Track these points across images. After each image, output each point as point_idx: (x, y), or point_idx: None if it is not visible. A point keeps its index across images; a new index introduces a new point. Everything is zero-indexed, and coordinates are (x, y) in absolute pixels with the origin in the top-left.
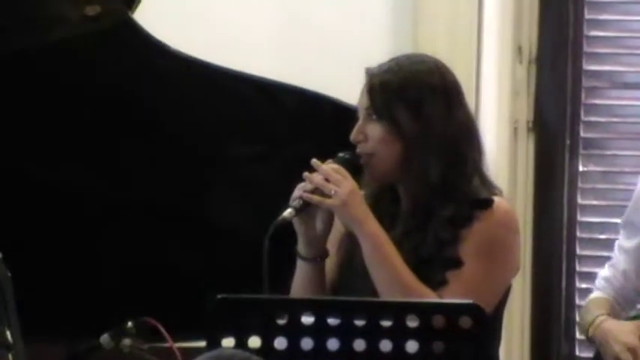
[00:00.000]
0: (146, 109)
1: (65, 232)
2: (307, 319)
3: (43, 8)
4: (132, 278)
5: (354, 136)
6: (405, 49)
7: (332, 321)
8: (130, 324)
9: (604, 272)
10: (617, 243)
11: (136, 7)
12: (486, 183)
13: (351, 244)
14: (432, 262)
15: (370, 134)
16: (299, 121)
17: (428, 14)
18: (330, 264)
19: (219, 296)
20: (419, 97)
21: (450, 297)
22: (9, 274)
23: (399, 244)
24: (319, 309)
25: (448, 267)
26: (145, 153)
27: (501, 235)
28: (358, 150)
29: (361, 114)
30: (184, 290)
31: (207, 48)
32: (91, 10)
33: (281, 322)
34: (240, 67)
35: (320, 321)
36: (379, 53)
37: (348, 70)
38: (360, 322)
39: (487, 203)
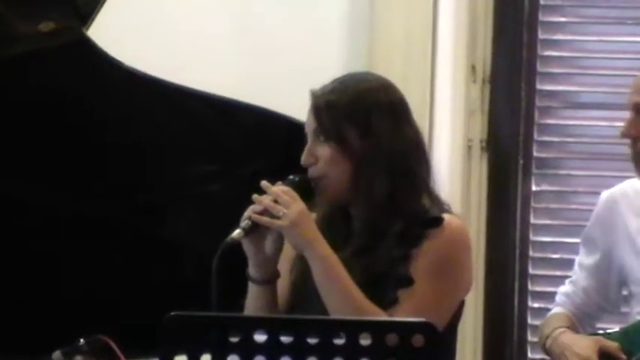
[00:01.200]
0: (100, 125)
1: (19, 247)
2: (260, 337)
3: None
4: (87, 295)
5: (304, 159)
6: (360, 66)
7: (285, 339)
8: (82, 341)
9: (564, 288)
10: (577, 260)
11: (90, 23)
12: (436, 200)
13: (304, 264)
14: (383, 281)
15: (320, 156)
16: (254, 139)
17: (383, 32)
18: (283, 284)
19: (172, 313)
20: (366, 115)
21: (401, 316)
22: None
23: (349, 264)
24: (272, 327)
25: (399, 286)
26: (99, 169)
27: (453, 253)
28: (310, 172)
29: (309, 136)
30: (139, 307)
31: (163, 65)
32: (45, 27)
33: (234, 339)
34: (195, 84)
35: (273, 339)
36: (334, 70)
37: (303, 86)
38: (313, 340)
39: (437, 221)
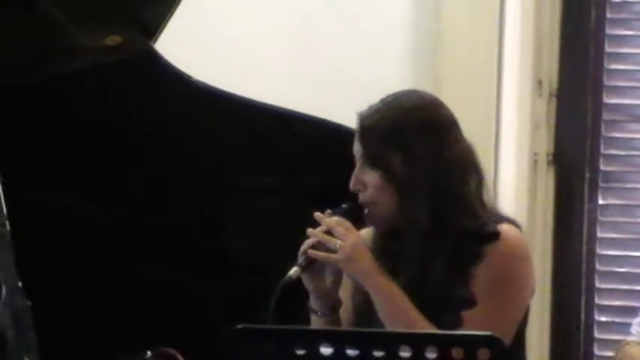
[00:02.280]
0: (165, 138)
1: (80, 261)
2: (326, 350)
3: (63, 39)
4: (148, 309)
5: (352, 185)
6: (424, 80)
7: (351, 352)
8: (149, 354)
9: (635, 328)
10: None
11: (158, 37)
12: (491, 213)
13: (366, 291)
14: (443, 304)
15: (368, 182)
16: (314, 152)
17: (448, 47)
18: (345, 310)
19: (237, 326)
20: (408, 139)
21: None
22: (29, 304)
23: (406, 290)
24: (338, 340)
25: (461, 308)
26: (160, 183)
27: (513, 265)
28: (360, 199)
29: (357, 161)
30: (201, 320)
31: (224, 76)
32: (112, 41)
33: (299, 352)
34: (256, 96)
35: (339, 352)
36: (398, 84)
37: (365, 101)
38: (378, 354)
39: (494, 236)
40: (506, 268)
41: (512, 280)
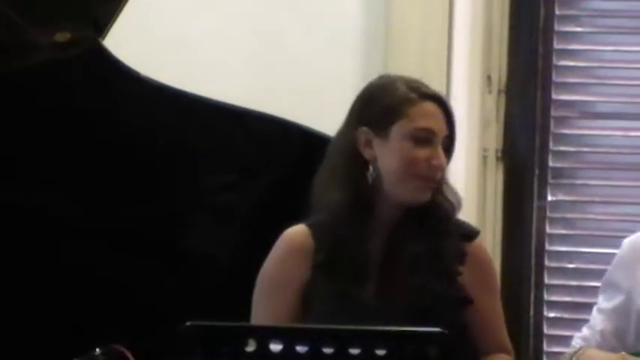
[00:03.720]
0: (117, 136)
1: (37, 257)
2: (276, 347)
3: (12, 34)
4: (101, 305)
5: (443, 163)
6: (375, 77)
7: (301, 349)
8: (98, 351)
9: (581, 333)
10: (595, 307)
11: (106, 33)
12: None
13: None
14: (440, 303)
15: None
16: (271, 149)
17: (398, 43)
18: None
19: (188, 323)
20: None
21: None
22: None
23: (405, 279)
24: (288, 337)
25: (459, 306)
26: (116, 180)
27: (491, 264)
28: (437, 176)
29: (437, 140)
30: (156, 317)
31: (179, 75)
32: (61, 37)
33: (250, 349)
34: (212, 94)
35: (288, 349)
36: (349, 81)
37: (318, 96)
38: (328, 350)
39: (475, 234)
40: (489, 265)
41: (495, 277)
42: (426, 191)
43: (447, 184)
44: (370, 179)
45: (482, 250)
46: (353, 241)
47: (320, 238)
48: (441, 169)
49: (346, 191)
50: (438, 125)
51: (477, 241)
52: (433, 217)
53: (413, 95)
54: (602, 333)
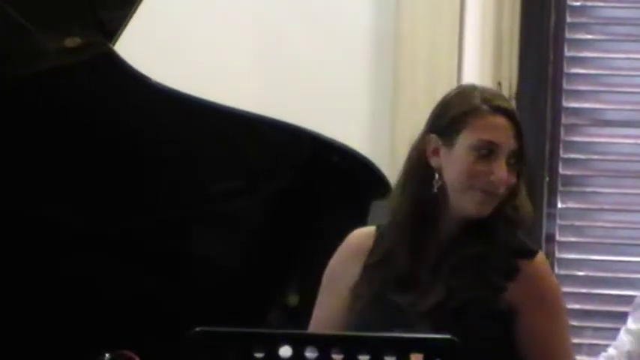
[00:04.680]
0: (125, 142)
1: (43, 264)
2: (285, 353)
3: (22, 40)
4: (111, 311)
5: (511, 180)
6: (385, 84)
7: (310, 354)
8: (107, 356)
9: (607, 353)
10: (623, 328)
11: (117, 39)
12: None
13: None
14: (476, 309)
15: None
16: (279, 155)
17: (409, 50)
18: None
19: (196, 329)
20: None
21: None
22: None
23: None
24: (297, 342)
25: (494, 320)
26: (124, 186)
27: (551, 285)
28: (499, 190)
29: (503, 155)
30: (163, 323)
31: (186, 80)
32: (71, 42)
33: (258, 355)
34: (219, 100)
35: (298, 354)
36: (359, 87)
37: (327, 103)
38: (337, 356)
39: (532, 254)
40: (547, 286)
41: (554, 299)
42: (487, 205)
43: (519, 198)
44: (435, 187)
45: (541, 269)
46: (406, 249)
47: (378, 241)
48: (503, 184)
49: (410, 197)
50: (503, 138)
51: (537, 260)
52: (493, 230)
53: (484, 107)
54: (628, 354)
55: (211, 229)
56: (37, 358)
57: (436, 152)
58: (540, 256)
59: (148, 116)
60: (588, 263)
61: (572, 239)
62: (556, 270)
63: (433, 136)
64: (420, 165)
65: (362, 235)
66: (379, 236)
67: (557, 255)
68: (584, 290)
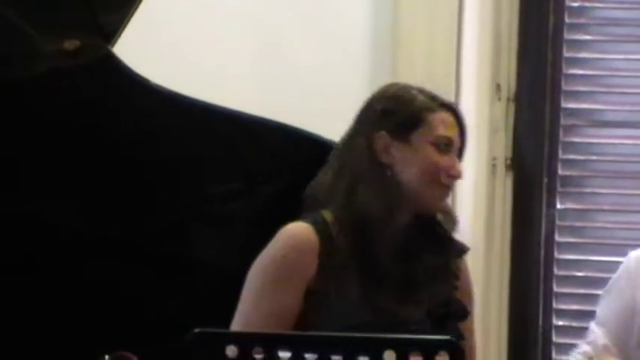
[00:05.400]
0: (124, 144)
1: (42, 266)
2: (284, 354)
3: (20, 43)
4: (110, 312)
5: (462, 172)
6: (383, 84)
7: (309, 356)
8: (106, 357)
9: (580, 348)
10: (592, 323)
11: (116, 41)
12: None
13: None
14: (446, 312)
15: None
16: (278, 157)
17: (406, 51)
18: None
19: (195, 330)
20: None
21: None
22: None
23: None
24: (296, 344)
25: (459, 319)
26: (122, 189)
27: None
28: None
29: (455, 149)
30: (162, 325)
31: (185, 83)
32: (70, 45)
33: (258, 356)
34: (218, 102)
35: (297, 356)
36: (357, 88)
37: (326, 104)
38: (337, 358)
39: (466, 250)
40: (471, 281)
41: (473, 292)
42: (444, 199)
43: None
44: (390, 183)
45: (467, 266)
46: (379, 243)
47: (326, 238)
48: (459, 179)
49: (376, 193)
50: (455, 135)
51: (464, 257)
52: (439, 230)
53: (431, 102)
54: (605, 347)
55: (209, 231)
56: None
57: (387, 149)
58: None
59: (146, 118)
60: (587, 264)
61: (571, 240)
62: (555, 271)
63: (383, 134)
64: (370, 163)
65: (305, 230)
66: (325, 235)
67: (557, 256)
68: (583, 291)
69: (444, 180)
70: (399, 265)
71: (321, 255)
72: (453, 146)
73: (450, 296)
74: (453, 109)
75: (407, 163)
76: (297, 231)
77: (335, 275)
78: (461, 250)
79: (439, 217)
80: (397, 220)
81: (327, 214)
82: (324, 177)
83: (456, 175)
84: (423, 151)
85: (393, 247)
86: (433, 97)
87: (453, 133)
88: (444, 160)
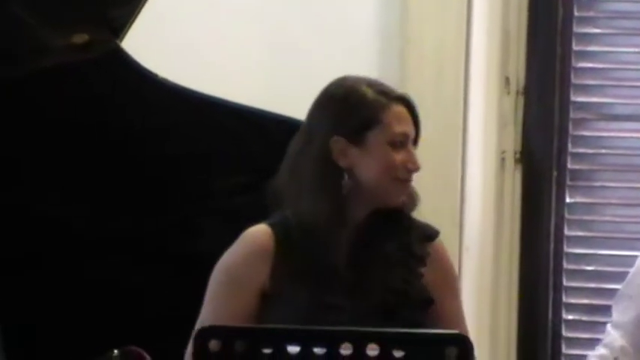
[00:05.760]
0: (132, 139)
1: (51, 263)
2: (293, 349)
3: (30, 37)
4: (119, 309)
5: (419, 164)
6: (392, 80)
7: (318, 350)
8: (115, 352)
9: (598, 352)
10: (608, 325)
11: (124, 35)
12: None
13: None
14: (404, 304)
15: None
16: (283, 151)
17: (416, 44)
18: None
19: (204, 325)
20: None
21: None
22: None
23: (375, 278)
24: (305, 339)
25: (423, 307)
26: (130, 184)
27: (451, 263)
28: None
29: (409, 142)
30: (171, 320)
31: (193, 77)
32: (79, 39)
33: (267, 351)
34: (225, 95)
35: (306, 350)
36: None
37: None
38: (346, 352)
39: (436, 234)
40: (450, 266)
41: (456, 277)
42: (404, 194)
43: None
44: (346, 188)
45: (442, 250)
46: (327, 249)
47: (283, 241)
48: (417, 171)
49: (322, 202)
50: (410, 128)
51: (437, 241)
52: (396, 216)
53: (384, 100)
54: (622, 350)
55: (216, 226)
56: (48, 356)
57: (343, 153)
58: (439, 237)
59: (154, 113)
60: (597, 258)
61: (581, 234)
62: (564, 265)
63: (338, 139)
64: (326, 169)
65: (261, 234)
66: (280, 235)
67: (566, 249)
68: (592, 285)
69: (402, 175)
70: (351, 263)
71: (276, 259)
72: (409, 140)
73: (409, 283)
74: (405, 100)
75: (364, 165)
76: (253, 236)
77: (287, 279)
78: (428, 234)
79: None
80: (351, 219)
81: (289, 214)
82: (282, 176)
83: (413, 169)
84: (379, 151)
85: (346, 247)
86: (384, 92)
87: (407, 127)
88: (400, 156)
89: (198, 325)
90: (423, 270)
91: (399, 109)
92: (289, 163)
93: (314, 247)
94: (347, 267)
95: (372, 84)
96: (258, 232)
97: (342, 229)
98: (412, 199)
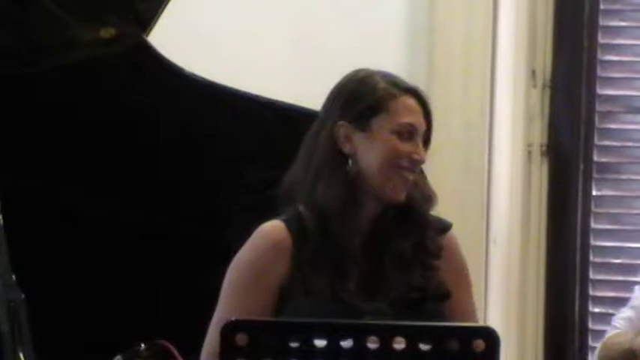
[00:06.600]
0: (160, 132)
1: (80, 255)
2: (320, 342)
3: (57, 31)
4: (147, 302)
5: (425, 157)
6: (420, 72)
7: (345, 344)
8: (143, 346)
9: (623, 313)
10: (636, 287)
11: (151, 29)
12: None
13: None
14: (423, 294)
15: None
16: None
17: (443, 38)
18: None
19: (232, 319)
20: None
21: None
22: (23, 297)
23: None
24: (332, 332)
25: (440, 300)
26: (160, 178)
27: (463, 255)
28: (416, 170)
29: (418, 135)
30: (199, 314)
31: (220, 72)
32: (106, 33)
33: (294, 344)
34: (253, 89)
35: (333, 344)
36: None
37: None
38: (373, 345)
39: (449, 227)
40: (462, 258)
41: (467, 270)
42: (404, 190)
43: (423, 178)
44: (351, 174)
45: (455, 242)
46: (343, 238)
47: (298, 234)
48: (422, 164)
49: (334, 187)
50: (419, 120)
51: (450, 234)
52: (412, 212)
53: (394, 90)
54: None
55: (247, 220)
56: (73, 349)
57: (348, 139)
58: (451, 229)
59: (182, 107)
60: (624, 251)
61: (608, 227)
62: (591, 258)
63: (343, 123)
64: (333, 154)
65: (277, 229)
66: (295, 229)
67: (593, 243)
68: (620, 278)
69: (405, 163)
70: (366, 258)
71: (293, 253)
72: (417, 132)
73: (427, 279)
74: (416, 94)
75: (367, 151)
76: (269, 232)
77: (305, 273)
78: (441, 228)
79: (415, 196)
80: (364, 213)
81: (303, 209)
82: (296, 170)
83: (417, 160)
84: (383, 138)
85: (360, 241)
86: (396, 83)
87: (415, 118)
88: (405, 146)
89: (219, 322)
90: (437, 264)
91: (409, 101)
92: (303, 153)
93: (330, 236)
94: (363, 261)
95: (385, 75)
96: (274, 227)
97: (356, 221)
98: (427, 199)
